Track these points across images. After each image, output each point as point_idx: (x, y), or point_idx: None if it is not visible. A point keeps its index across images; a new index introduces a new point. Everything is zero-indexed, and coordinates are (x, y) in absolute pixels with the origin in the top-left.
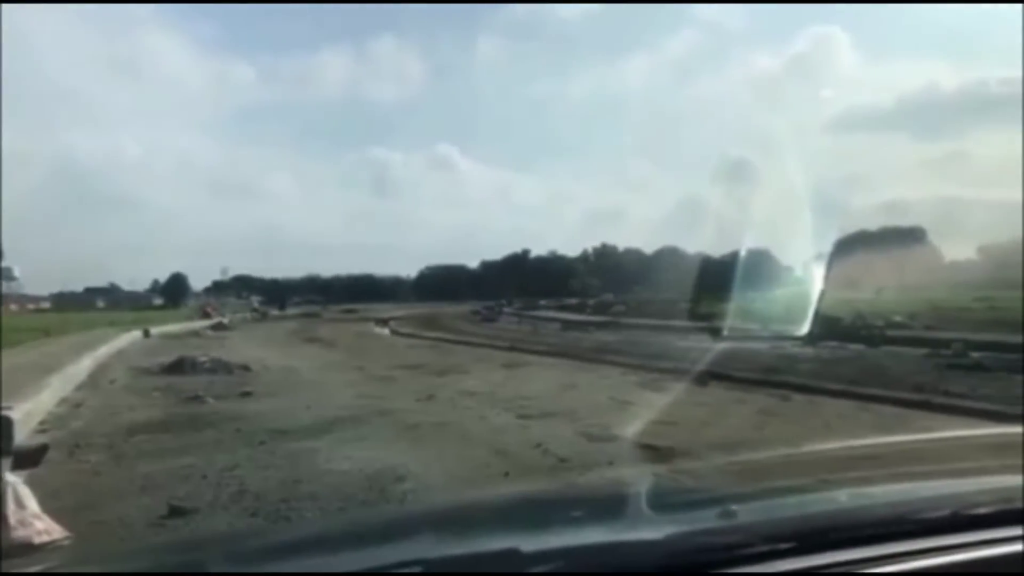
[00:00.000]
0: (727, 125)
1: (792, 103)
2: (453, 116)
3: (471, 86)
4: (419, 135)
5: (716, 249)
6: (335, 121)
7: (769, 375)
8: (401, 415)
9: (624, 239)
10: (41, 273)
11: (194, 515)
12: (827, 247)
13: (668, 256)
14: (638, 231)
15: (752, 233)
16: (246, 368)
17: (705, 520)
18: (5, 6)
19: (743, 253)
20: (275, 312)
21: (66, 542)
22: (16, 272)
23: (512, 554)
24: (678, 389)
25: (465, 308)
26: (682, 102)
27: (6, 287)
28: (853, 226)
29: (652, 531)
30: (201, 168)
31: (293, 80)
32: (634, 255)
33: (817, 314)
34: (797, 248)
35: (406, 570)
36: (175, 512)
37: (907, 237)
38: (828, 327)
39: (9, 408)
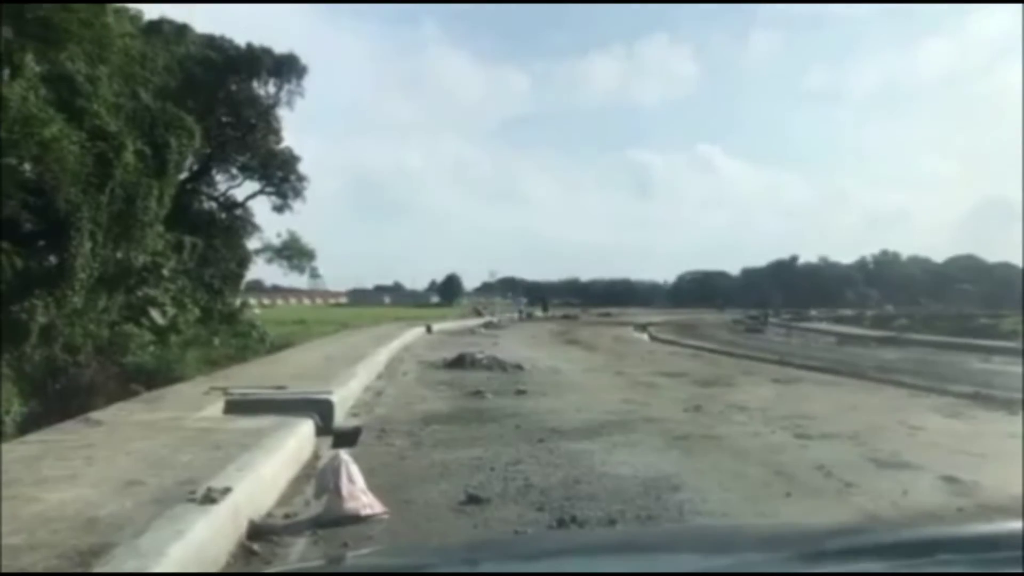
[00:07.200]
0: None
1: None
2: (721, 114)
3: (741, 83)
4: (684, 135)
5: None
6: (599, 124)
7: None
8: (668, 424)
9: (909, 245)
10: (338, 271)
11: (487, 504)
12: None
13: (963, 265)
14: (926, 236)
15: None
16: (519, 367)
17: None
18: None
19: None
20: (539, 314)
21: (385, 517)
22: (320, 271)
23: None
24: (981, 416)
25: (725, 316)
26: (987, 90)
27: (313, 284)
28: None
29: None
30: (475, 175)
31: (564, 85)
32: (920, 263)
33: None
34: None
35: None
36: (472, 500)
37: None
38: None
39: (329, 393)
